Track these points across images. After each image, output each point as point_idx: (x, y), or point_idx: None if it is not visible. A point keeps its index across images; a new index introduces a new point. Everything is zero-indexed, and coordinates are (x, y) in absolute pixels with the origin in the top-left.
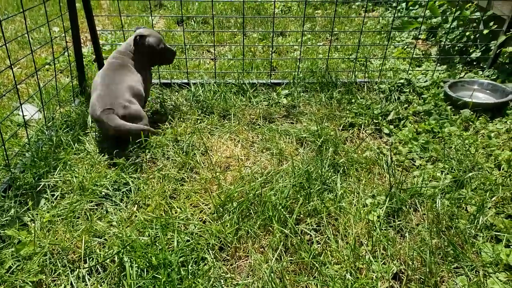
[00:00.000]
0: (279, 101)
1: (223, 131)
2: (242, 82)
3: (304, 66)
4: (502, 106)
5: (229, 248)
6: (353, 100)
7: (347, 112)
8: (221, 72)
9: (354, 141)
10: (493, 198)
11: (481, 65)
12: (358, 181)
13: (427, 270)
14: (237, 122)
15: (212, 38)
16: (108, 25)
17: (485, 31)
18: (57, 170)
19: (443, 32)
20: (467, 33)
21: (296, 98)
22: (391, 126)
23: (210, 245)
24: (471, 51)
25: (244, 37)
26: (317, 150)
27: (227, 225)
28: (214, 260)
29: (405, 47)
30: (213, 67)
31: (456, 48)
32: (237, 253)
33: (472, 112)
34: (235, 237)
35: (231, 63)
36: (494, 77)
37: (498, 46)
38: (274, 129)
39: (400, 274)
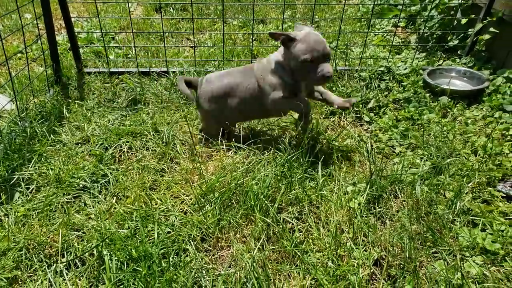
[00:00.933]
0: None
1: None
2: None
3: None
4: (478, 93)
5: (211, 239)
6: (334, 88)
7: None
8: (201, 60)
9: (335, 129)
10: (470, 184)
11: (458, 52)
12: (339, 169)
13: (407, 255)
14: None
15: (192, 25)
16: (84, 12)
17: (463, 21)
18: (32, 162)
19: (422, 20)
20: (445, 21)
21: None
22: (372, 114)
23: (192, 236)
24: (449, 38)
25: (224, 24)
26: (299, 138)
27: (208, 216)
28: (196, 251)
29: (385, 35)
30: (193, 55)
31: (435, 36)
32: (219, 244)
33: (450, 99)
34: (217, 228)
35: (211, 51)
36: (471, 65)
37: (475, 33)
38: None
39: (381, 260)
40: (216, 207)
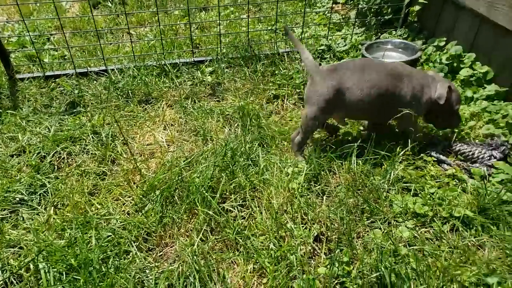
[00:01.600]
0: (204, 79)
1: (145, 117)
2: (163, 63)
3: (228, 41)
4: (412, 63)
5: (154, 238)
6: (276, 72)
7: (271, 84)
8: (141, 55)
9: (280, 113)
10: (402, 152)
11: (394, 25)
12: (282, 152)
13: (344, 228)
14: (159, 106)
15: (132, 19)
16: (15, 13)
17: None
18: None
19: None
20: None
21: (220, 75)
22: None
23: (134, 237)
24: (384, 12)
25: (166, 15)
26: (243, 126)
27: (151, 215)
28: (138, 251)
29: (326, 13)
30: (133, 50)
31: (373, 10)
32: (163, 241)
33: None
34: (160, 226)
35: (152, 44)
36: (406, 36)
37: (406, 5)
38: (199, 109)
39: (321, 236)
40: (157, 205)
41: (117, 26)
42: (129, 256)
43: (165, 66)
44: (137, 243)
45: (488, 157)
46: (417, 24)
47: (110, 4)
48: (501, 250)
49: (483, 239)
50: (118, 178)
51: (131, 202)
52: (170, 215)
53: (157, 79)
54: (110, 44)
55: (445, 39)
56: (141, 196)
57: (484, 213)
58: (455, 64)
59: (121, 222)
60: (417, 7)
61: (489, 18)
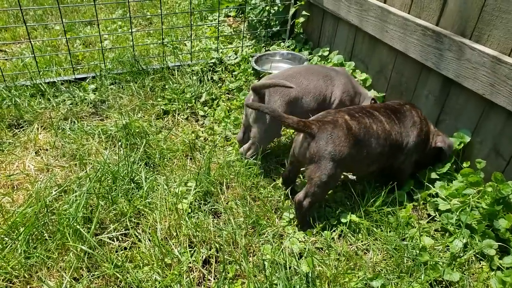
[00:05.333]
0: (86, 97)
1: (14, 143)
2: (38, 82)
3: (115, 56)
4: None
5: (17, 284)
6: (166, 86)
7: (160, 99)
8: (13, 74)
9: (170, 128)
10: None
11: (282, 37)
12: (171, 172)
13: (232, 248)
14: (32, 129)
15: (5, 35)
16: None
17: (281, 7)
18: None
19: (250, 8)
20: (267, 8)
21: (104, 92)
22: (206, 108)
23: None
24: (272, 24)
25: (46, 30)
26: (128, 145)
27: (13, 257)
28: None
29: (217, 26)
30: (5, 68)
31: (262, 22)
32: (28, 286)
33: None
34: (23, 268)
35: (27, 62)
36: (293, 47)
37: (291, 17)
38: (78, 130)
39: (210, 259)
40: (22, 244)
41: None
42: None
43: (40, 85)
44: None
45: None
46: (303, 35)
47: None
48: (385, 252)
49: (368, 242)
50: None
51: None
52: (38, 254)
53: (30, 100)
54: None
55: (328, 48)
56: (2, 236)
57: (369, 216)
58: None
59: None
60: (301, 19)
61: (361, 28)
